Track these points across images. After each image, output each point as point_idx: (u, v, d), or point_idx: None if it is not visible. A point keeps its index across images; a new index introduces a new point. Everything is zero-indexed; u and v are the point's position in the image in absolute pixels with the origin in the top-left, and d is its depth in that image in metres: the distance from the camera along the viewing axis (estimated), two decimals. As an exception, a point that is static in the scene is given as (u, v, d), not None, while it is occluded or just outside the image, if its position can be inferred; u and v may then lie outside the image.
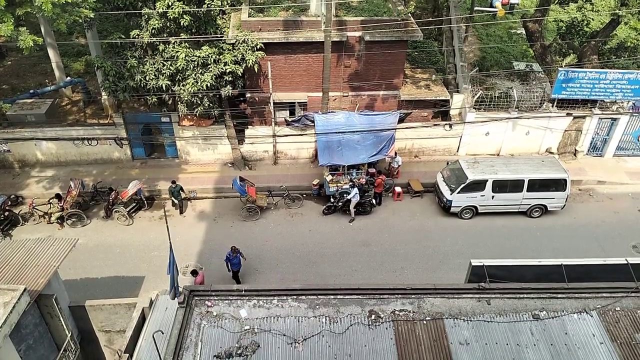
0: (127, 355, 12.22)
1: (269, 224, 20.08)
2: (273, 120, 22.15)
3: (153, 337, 10.53)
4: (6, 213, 19.35)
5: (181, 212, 20.43)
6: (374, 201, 20.21)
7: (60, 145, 22.04)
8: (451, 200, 19.75)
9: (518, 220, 20.19)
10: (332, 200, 20.15)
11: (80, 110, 24.46)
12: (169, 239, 11.30)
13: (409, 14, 21.56)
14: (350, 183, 19.95)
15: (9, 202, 19.88)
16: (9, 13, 15.60)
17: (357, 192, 19.49)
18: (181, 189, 20.02)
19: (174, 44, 18.91)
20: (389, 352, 9.73)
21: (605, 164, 23.38)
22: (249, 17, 21.19)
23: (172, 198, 20.18)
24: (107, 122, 22.67)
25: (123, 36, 19.32)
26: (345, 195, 19.70)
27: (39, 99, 23.19)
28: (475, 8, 26.16)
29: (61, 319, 12.42)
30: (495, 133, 23.09)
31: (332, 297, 10.72)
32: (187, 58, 18.71)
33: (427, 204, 21.23)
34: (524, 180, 19.41)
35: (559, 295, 10.76)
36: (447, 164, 21.43)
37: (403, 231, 19.70)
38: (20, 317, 10.98)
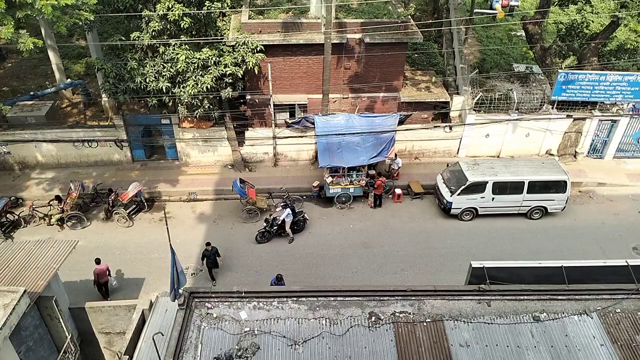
0: (127, 357, 12.21)
1: (269, 226, 20.08)
2: (273, 122, 22.17)
3: (153, 339, 10.52)
4: (8, 215, 19.36)
5: (213, 279, 17.24)
6: (306, 216, 19.48)
7: (60, 147, 22.05)
8: (451, 202, 19.74)
9: (518, 222, 20.18)
10: (265, 226, 18.90)
11: (81, 112, 24.49)
12: (170, 241, 11.31)
13: (409, 16, 21.60)
14: (283, 204, 18.96)
15: (10, 204, 19.88)
16: (10, 16, 15.62)
17: (290, 213, 18.59)
18: (217, 252, 16.95)
19: (174, 46, 18.93)
20: (389, 353, 9.72)
21: (605, 165, 23.37)
22: (249, 19, 21.22)
23: (205, 264, 16.94)
24: (107, 124, 22.69)
25: (123, 38, 19.34)
26: (277, 219, 18.67)
27: (39, 100, 23.20)
28: (475, 10, 26.21)
29: (61, 320, 12.43)
30: (496, 135, 23.10)
31: (332, 298, 10.71)
32: (187, 60, 18.72)
33: (427, 205, 21.23)
34: (524, 182, 19.41)
35: (559, 297, 10.76)
36: (447, 165, 21.44)
37: (403, 233, 19.69)
38: (20, 319, 10.99)
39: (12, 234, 19.21)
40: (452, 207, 19.85)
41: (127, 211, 19.81)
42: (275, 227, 18.77)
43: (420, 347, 9.83)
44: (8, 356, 10.91)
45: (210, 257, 16.80)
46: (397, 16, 21.74)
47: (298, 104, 22.84)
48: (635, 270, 11.19)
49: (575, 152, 23.68)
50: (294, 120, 22.06)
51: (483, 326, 10.20)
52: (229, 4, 19.55)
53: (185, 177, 22.16)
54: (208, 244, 16.88)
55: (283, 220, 18.59)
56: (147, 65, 19.09)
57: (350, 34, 20.99)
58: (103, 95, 22.52)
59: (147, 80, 19.04)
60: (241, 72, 19.63)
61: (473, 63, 27.47)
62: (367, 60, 21.84)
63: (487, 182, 19.39)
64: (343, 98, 22.80)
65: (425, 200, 21.46)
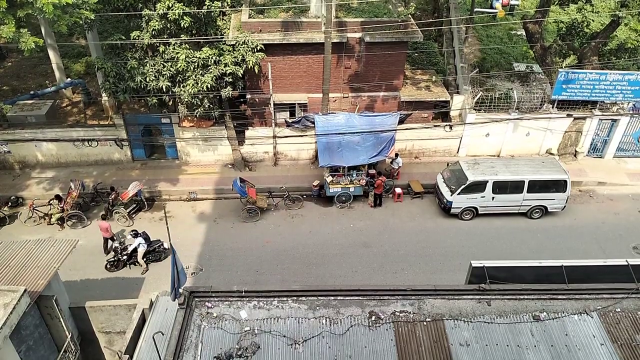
0: (127, 356, 12.19)
1: (269, 225, 20.08)
2: (273, 121, 22.17)
3: (153, 338, 10.52)
4: None
5: None
6: (165, 245, 18.13)
7: (60, 147, 22.06)
8: (451, 202, 19.74)
9: (518, 222, 20.18)
10: (114, 255, 17.84)
11: (81, 112, 24.48)
12: (170, 240, 11.30)
13: (409, 15, 21.58)
14: (133, 232, 17.79)
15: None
16: (10, 15, 15.62)
17: (143, 242, 17.54)
18: None
19: (174, 45, 18.93)
20: (389, 353, 9.71)
21: (605, 165, 23.38)
22: (249, 18, 21.21)
23: None
24: (107, 123, 22.69)
25: (123, 37, 19.35)
26: (127, 247, 17.70)
27: (40, 100, 23.20)
28: (476, 9, 26.18)
29: (61, 320, 12.42)
30: (496, 134, 23.10)
31: (332, 298, 10.71)
32: (187, 59, 18.72)
33: (427, 205, 21.23)
34: (524, 182, 19.41)
35: (560, 297, 10.75)
36: (448, 165, 21.44)
37: (403, 232, 19.70)
38: (20, 319, 10.99)
39: None
40: (452, 206, 19.85)
41: (127, 210, 19.83)
42: (125, 256, 17.70)
43: (421, 346, 9.83)
44: (8, 355, 10.91)
45: None
46: (397, 15, 21.72)
47: (298, 103, 22.83)
48: (635, 269, 11.18)
49: (576, 151, 23.68)
50: (294, 119, 22.06)
51: (483, 325, 10.20)
52: (229, 3, 19.56)
53: (185, 177, 22.17)
54: None
55: (135, 249, 17.64)
56: (147, 65, 19.10)
57: (350, 33, 20.98)
58: (103, 94, 22.51)
59: (147, 79, 19.04)
60: (241, 71, 19.62)
61: (473, 62, 27.45)
62: (367, 60, 21.83)
63: (487, 182, 19.38)
64: (343, 97, 22.80)
65: (426, 200, 21.47)
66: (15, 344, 11.12)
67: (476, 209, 19.99)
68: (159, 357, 10.15)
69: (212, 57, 18.95)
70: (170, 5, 17.89)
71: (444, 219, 20.39)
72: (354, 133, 20.65)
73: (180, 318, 10.11)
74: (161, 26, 18.58)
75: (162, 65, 19.02)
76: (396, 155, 21.78)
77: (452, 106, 23.20)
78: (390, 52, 21.45)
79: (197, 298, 10.70)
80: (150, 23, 18.57)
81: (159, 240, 18.31)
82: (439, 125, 23.03)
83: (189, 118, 21.61)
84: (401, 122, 21.57)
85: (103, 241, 18.48)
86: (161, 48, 19.05)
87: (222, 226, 20.03)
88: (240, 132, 22.39)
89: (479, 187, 19.46)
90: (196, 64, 18.90)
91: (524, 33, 28.30)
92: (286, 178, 22.16)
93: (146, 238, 17.78)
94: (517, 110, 22.79)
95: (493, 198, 19.67)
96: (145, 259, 17.77)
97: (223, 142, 22.41)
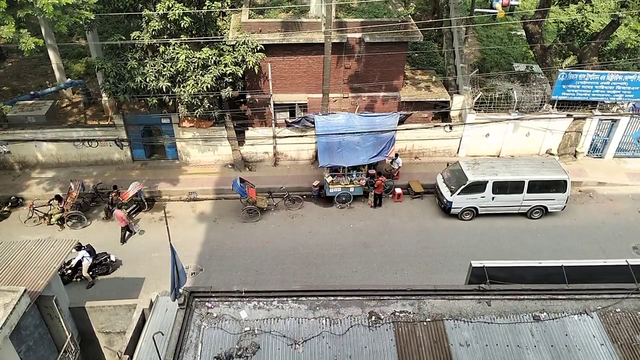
0: (127, 356, 12.20)
1: (269, 225, 20.08)
2: (273, 121, 22.17)
3: (153, 338, 10.52)
4: None
5: None
6: (113, 257, 17.63)
7: (60, 147, 22.06)
8: (451, 202, 19.74)
9: (518, 222, 20.18)
10: (63, 269, 16.75)
11: (81, 112, 24.49)
12: (170, 240, 11.30)
13: (409, 16, 21.59)
14: (77, 246, 16.42)
15: None
16: (10, 15, 15.62)
17: (87, 255, 16.91)
18: None
19: (174, 45, 18.93)
20: (389, 353, 9.72)
21: (605, 165, 23.38)
22: (249, 18, 21.22)
23: None
24: (107, 123, 22.69)
25: (123, 38, 19.35)
26: (71, 261, 16.86)
27: (40, 100, 23.21)
28: (475, 9, 26.19)
29: (61, 320, 12.43)
30: (496, 134, 23.10)
31: (332, 298, 10.71)
32: (187, 60, 18.72)
33: (427, 205, 21.23)
34: (524, 182, 19.41)
35: (560, 297, 10.75)
36: (448, 165, 21.44)
37: (403, 232, 19.70)
38: (20, 319, 11.00)
39: None
40: (452, 206, 19.85)
41: (128, 210, 19.81)
42: (69, 270, 16.96)
43: (421, 346, 9.83)
44: (8, 356, 10.92)
45: None
46: (397, 16, 21.73)
47: (298, 104, 22.84)
48: (635, 269, 11.19)
49: (576, 151, 23.68)
50: (294, 119, 22.06)
51: (483, 326, 10.20)
52: (229, 3, 19.57)
53: (185, 177, 22.17)
54: None
55: (80, 263, 16.98)
56: (147, 65, 19.10)
57: (350, 33, 20.98)
58: (103, 94, 22.52)
59: (147, 79, 19.05)
60: (241, 71, 19.63)
61: (473, 62, 27.45)
62: (367, 60, 21.83)
63: (487, 182, 19.38)
64: (343, 97, 22.80)
65: (426, 200, 21.47)
66: (15, 344, 11.12)
67: (476, 209, 19.99)
68: (159, 357, 10.15)
69: (212, 58, 18.95)
70: (170, 5, 17.89)
71: (444, 219, 20.39)
72: (354, 133, 20.65)
73: (180, 318, 10.11)
74: (161, 26, 18.58)
75: (162, 66, 19.02)
76: (396, 155, 21.79)
77: (452, 106, 23.20)
78: (390, 53, 21.45)
79: (197, 298, 10.70)
80: (150, 23, 18.58)
81: (105, 252, 17.78)
82: (439, 126, 23.03)
83: (189, 118, 21.61)
84: (401, 122, 21.57)
85: (121, 230, 18.95)
86: (161, 48, 19.05)
87: (222, 226, 20.03)
88: (240, 132, 22.39)
89: (479, 187, 19.46)
90: (196, 64, 18.90)
91: (524, 33, 28.28)
92: (286, 178, 22.17)
93: (90, 251, 17.19)
94: (517, 111, 22.79)
95: (493, 198, 19.67)
96: (91, 273, 17.23)
97: (223, 142, 22.41)
